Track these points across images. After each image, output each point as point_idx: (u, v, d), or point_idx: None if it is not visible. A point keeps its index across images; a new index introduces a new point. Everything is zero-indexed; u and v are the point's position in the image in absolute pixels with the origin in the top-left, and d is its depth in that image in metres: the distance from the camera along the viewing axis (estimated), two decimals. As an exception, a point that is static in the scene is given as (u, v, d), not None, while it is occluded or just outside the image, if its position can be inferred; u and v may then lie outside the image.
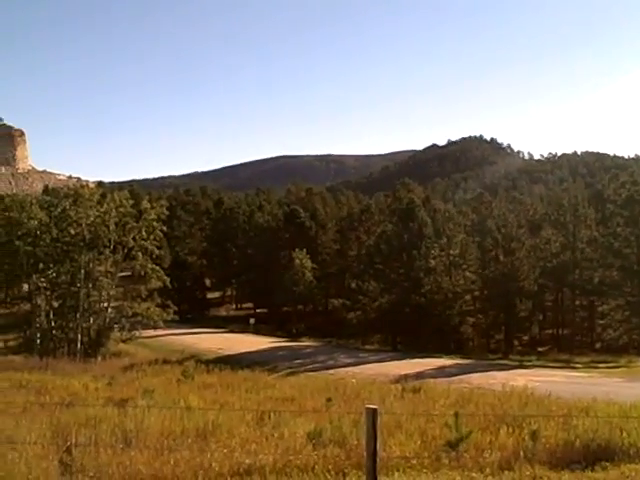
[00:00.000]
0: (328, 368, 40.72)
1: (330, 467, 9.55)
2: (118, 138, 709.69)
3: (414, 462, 9.70)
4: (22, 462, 9.61)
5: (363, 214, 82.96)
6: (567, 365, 42.88)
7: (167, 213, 53.19)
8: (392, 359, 45.37)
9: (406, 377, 31.29)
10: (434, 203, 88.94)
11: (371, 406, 5.29)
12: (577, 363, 43.71)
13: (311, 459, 9.98)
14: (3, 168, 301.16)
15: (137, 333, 48.24)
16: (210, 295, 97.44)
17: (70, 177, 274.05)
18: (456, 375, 35.59)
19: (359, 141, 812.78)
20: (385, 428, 10.66)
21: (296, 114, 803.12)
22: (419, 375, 33.71)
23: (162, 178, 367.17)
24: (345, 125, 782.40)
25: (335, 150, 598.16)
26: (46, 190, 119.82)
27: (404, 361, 43.38)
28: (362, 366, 41.32)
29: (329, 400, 18.25)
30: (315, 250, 75.87)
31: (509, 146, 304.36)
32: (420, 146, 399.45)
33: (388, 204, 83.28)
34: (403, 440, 11.16)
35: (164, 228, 51.36)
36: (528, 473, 9.42)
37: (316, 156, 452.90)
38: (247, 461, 9.90)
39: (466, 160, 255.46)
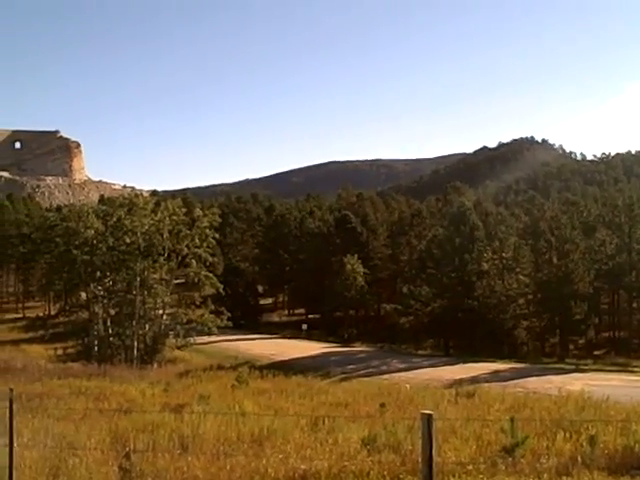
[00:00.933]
0: (381, 373, 40.68)
1: (385, 473, 9.54)
2: (170, 147, 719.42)
3: (470, 468, 9.64)
4: (83, 467, 9.83)
5: (414, 218, 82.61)
6: (625, 369, 42.09)
7: (219, 220, 53.67)
8: (445, 364, 45.10)
9: (460, 382, 31.07)
10: (485, 206, 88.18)
11: (426, 412, 5.30)
12: (635, 367, 42.86)
13: (366, 465, 9.99)
14: (61, 179, 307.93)
15: (192, 339, 48.69)
16: (263, 301, 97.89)
17: (125, 187, 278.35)
18: (511, 379, 35.25)
19: (408, 145, 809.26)
20: (440, 433, 10.64)
21: (345, 120, 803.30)
22: (473, 380, 33.40)
23: (214, 186, 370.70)
24: (394, 129, 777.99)
25: (385, 155, 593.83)
26: (102, 200, 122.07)
27: (457, 366, 43.10)
28: (415, 371, 41.18)
29: (383, 405, 18.23)
30: (366, 255, 75.75)
31: (561, 147, 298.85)
32: (470, 149, 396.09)
33: (439, 208, 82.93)
34: (458, 445, 11.11)
35: (217, 235, 51.86)
36: (586, 479, 9.31)
37: (366, 161, 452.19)
38: (302, 466, 9.95)
39: (517, 162, 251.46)
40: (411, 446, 10.94)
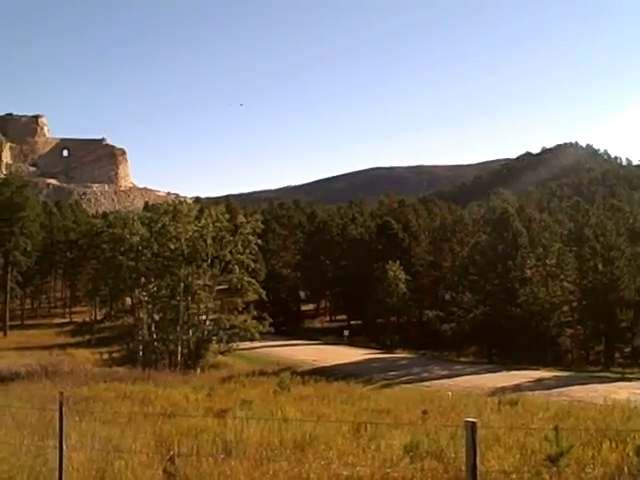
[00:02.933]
0: (423, 380, 40.39)
1: (428, 480, 9.54)
2: (213, 154, 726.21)
3: (514, 477, 9.57)
4: (129, 470, 9.95)
5: (456, 225, 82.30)
6: (672, 378, 41.18)
7: (262, 227, 53.84)
8: (488, 371, 44.63)
9: (503, 390, 30.78)
10: (529, 212, 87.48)
11: (470, 419, 5.31)
12: (683, 376, 41.92)
13: (408, 472, 9.95)
14: (106, 186, 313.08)
15: (234, 345, 48.91)
16: (304, 307, 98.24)
17: (169, 193, 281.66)
18: (555, 388, 34.76)
19: (450, 151, 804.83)
20: (483, 441, 10.55)
21: (387, 126, 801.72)
22: (516, 388, 33.03)
23: (256, 192, 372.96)
24: (436, 135, 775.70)
25: (426, 161, 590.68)
26: (146, 206, 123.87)
27: (500, 373, 42.65)
28: (457, 378, 40.82)
29: (425, 412, 18.13)
30: (408, 262, 75.60)
31: (606, 152, 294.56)
32: (513, 154, 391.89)
33: (482, 214, 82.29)
34: (502, 454, 11.02)
35: (259, 242, 51.94)
36: (633, 490, 9.18)
37: (407, 167, 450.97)
38: (345, 473, 9.93)
39: (561, 168, 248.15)
40: (454, 454, 10.90)
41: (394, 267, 69.70)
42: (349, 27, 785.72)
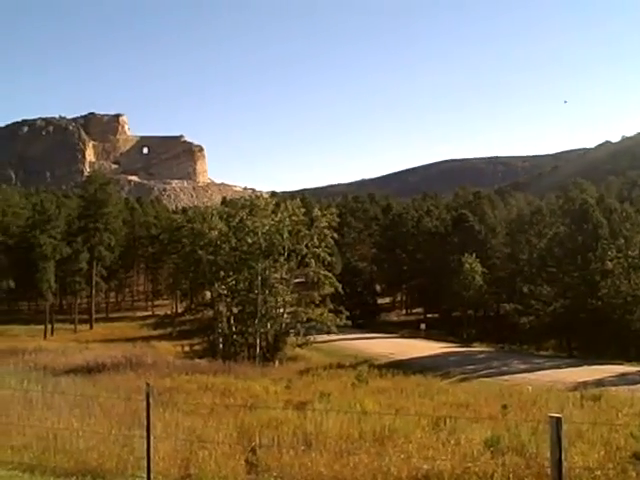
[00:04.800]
0: (502, 374, 39.87)
1: (510, 475, 9.45)
2: (288, 149, 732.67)
3: (598, 473, 9.40)
4: (212, 460, 10.19)
5: (534, 216, 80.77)
6: None
7: (337, 220, 53.90)
8: (568, 365, 43.74)
9: (585, 384, 30.15)
10: (609, 203, 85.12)
11: (555, 415, 5.30)
12: None
13: (489, 467, 9.91)
14: (185, 182, 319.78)
15: (311, 338, 49.18)
16: (380, 300, 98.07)
17: (245, 188, 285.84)
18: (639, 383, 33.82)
19: (527, 141, 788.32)
20: (566, 437, 10.44)
21: (462, 117, 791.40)
22: (598, 382, 32.33)
23: (331, 186, 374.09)
24: (512, 126, 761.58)
25: (502, 152, 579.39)
26: (224, 201, 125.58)
27: (581, 368, 41.72)
28: (537, 372, 40.16)
29: (505, 407, 17.97)
30: (485, 254, 74.72)
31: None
32: (592, 144, 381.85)
33: (560, 205, 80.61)
34: (585, 450, 10.85)
35: (335, 235, 51.97)
36: None
37: (483, 159, 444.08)
38: (425, 466, 9.94)
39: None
40: (535, 449, 10.79)
41: (470, 259, 69.00)
42: (423, 17, 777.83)
